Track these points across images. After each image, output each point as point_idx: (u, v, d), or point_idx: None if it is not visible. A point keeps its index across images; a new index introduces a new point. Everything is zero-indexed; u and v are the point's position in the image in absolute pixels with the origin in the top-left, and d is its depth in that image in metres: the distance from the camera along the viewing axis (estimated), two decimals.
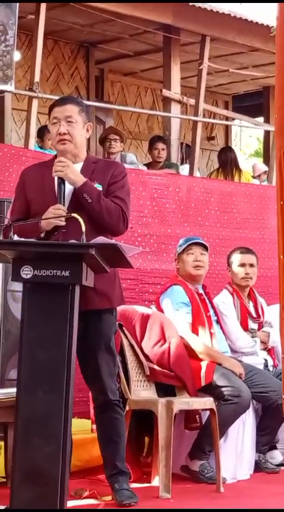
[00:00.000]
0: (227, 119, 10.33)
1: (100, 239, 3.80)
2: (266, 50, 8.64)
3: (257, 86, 10.75)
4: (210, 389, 5.04)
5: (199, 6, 7.87)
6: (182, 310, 5.28)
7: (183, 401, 4.89)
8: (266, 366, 5.66)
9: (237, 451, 5.22)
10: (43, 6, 7.16)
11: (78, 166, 4.24)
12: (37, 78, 7.17)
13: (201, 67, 8.38)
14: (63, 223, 4.05)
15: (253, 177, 10.03)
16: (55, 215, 4.05)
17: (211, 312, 5.44)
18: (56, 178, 4.18)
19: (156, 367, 5.06)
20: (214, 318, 5.44)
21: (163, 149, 8.42)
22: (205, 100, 8.68)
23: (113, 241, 3.99)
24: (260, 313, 5.84)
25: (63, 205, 4.11)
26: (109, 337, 4.29)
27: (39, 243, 3.92)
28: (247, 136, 19.24)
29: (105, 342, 4.26)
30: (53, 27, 8.61)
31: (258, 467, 5.34)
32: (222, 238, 7.50)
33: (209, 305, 5.46)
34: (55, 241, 4.03)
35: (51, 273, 3.64)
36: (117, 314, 4.49)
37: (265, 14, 8.18)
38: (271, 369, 5.66)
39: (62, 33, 9.21)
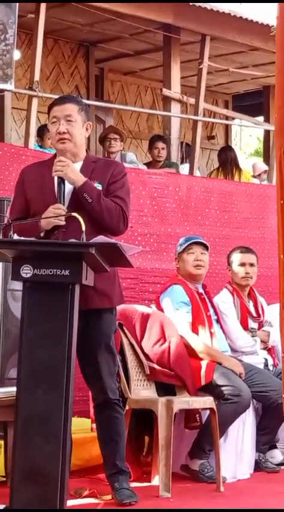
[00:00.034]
0: (227, 118, 10.32)
1: (100, 238, 3.80)
2: (266, 49, 8.63)
3: (257, 85, 10.75)
4: (210, 389, 5.04)
5: (199, 6, 7.86)
6: (182, 309, 5.28)
7: (183, 401, 4.89)
8: (266, 365, 5.65)
9: (237, 450, 5.22)
10: (43, 5, 7.16)
11: (78, 165, 4.24)
12: (37, 77, 7.16)
13: (201, 66, 8.37)
14: (63, 223, 4.05)
15: (253, 176, 10.03)
16: (55, 214, 4.05)
17: (211, 311, 5.44)
18: (55, 178, 4.17)
19: (156, 366, 5.06)
20: (214, 317, 5.44)
21: (163, 148, 8.42)
22: (205, 99, 8.68)
23: (113, 240, 3.99)
24: (260, 312, 5.84)
25: (63, 204, 4.11)
26: (109, 337, 4.29)
27: (39, 242, 3.92)
28: (247, 135, 19.24)
29: (105, 341, 4.26)
30: (53, 26, 8.61)
31: (258, 466, 5.33)
32: (222, 238, 7.50)
33: (209, 304, 5.45)
34: (55, 241, 4.02)
35: (51, 272, 3.64)
36: (117, 313, 4.49)
37: (265, 13, 8.18)
38: (271, 368, 5.66)
39: (62, 32, 9.21)
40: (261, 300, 5.94)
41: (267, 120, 10.42)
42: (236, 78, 10.26)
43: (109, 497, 4.33)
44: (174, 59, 8.46)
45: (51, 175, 4.18)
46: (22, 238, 3.87)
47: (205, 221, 7.53)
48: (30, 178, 4.29)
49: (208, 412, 4.97)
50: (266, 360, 5.68)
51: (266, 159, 10.42)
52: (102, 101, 9.71)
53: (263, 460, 5.35)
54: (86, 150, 4.38)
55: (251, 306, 5.83)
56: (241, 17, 8.20)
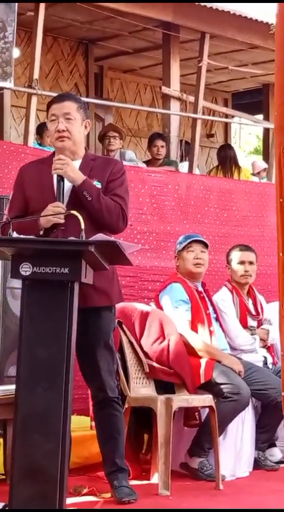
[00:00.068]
0: (226, 116, 10.33)
1: (100, 236, 3.80)
2: (265, 47, 8.63)
3: (257, 83, 10.74)
4: (209, 387, 5.04)
5: (199, 4, 7.86)
6: (181, 307, 5.28)
7: (182, 399, 4.89)
8: (265, 363, 5.65)
9: (236, 448, 5.22)
10: (42, 3, 7.15)
11: (77, 163, 4.23)
12: (36, 75, 7.16)
13: (200, 64, 8.37)
14: (62, 221, 4.05)
15: (253, 174, 10.02)
16: (54, 213, 4.05)
17: (211, 309, 5.44)
18: (55, 176, 4.17)
19: (155, 364, 5.06)
20: (213, 316, 5.44)
21: (162, 146, 8.42)
22: (205, 97, 8.67)
23: (112, 238, 3.99)
24: (260, 310, 5.84)
25: (62, 202, 4.11)
26: (108, 335, 4.29)
27: (39, 240, 3.91)
28: (246, 133, 19.23)
29: (104, 339, 4.26)
30: (52, 24, 8.61)
31: (257, 464, 5.33)
32: (221, 236, 7.50)
33: (208, 303, 5.45)
34: (54, 239, 4.02)
35: (50, 270, 3.63)
36: (117, 311, 4.49)
37: (265, 12, 8.18)
38: (270, 366, 5.66)
39: (61, 30, 9.21)
40: (260, 298, 5.94)
41: (266, 118, 10.42)
42: (235, 76, 10.26)
43: (108, 495, 4.33)
44: (173, 57, 8.46)
45: (50, 173, 4.18)
46: (21, 236, 3.86)
47: (205, 219, 7.53)
48: (29, 177, 4.29)
49: (207, 410, 4.97)
50: (265, 358, 5.68)
51: (266, 157, 10.42)
52: (102, 99, 9.70)
53: (262, 458, 5.35)
54: (85, 148, 4.37)
55: (250, 304, 5.83)
56: (240, 15, 8.20)
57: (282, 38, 2.79)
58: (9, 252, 3.72)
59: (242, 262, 5.81)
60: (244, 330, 5.70)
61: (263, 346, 5.75)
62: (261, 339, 5.74)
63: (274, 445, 5.57)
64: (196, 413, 5.09)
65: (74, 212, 3.80)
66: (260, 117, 10.69)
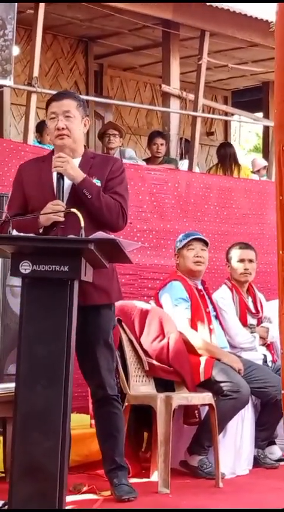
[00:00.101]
0: (226, 114, 10.32)
1: (100, 234, 3.80)
2: (265, 45, 8.62)
3: (257, 81, 10.73)
4: (209, 385, 5.05)
5: (199, 2, 7.85)
6: (181, 305, 5.28)
7: (182, 397, 4.89)
8: (265, 361, 5.66)
9: (236, 446, 5.22)
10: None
11: (76, 161, 4.23)
12: (36, 73, 7.15)
13: (200, 62, 8.37)
14: (62, 219, 4.05)
15: (253, 172, 10.02)
16: (54, 211, 4.05)
17: (210, 307, 5.44)
18: (54, 174, 4.17)
19: (155, 362, 5.07)
20: (213, 314, 5.44)
21: (162, 144, 8.41)
22: (205, 95, 8.67)
23: (112, 236, 3.99)
24: (259, 308, 5.84)
25: (62, 200, 4.11)
26: (107, 332, 4.29)
27: (38, 238, 3.91)
28: (246, 131, 19.22)
29: (103, 337, 4.26)
30: (52, 22, 8.60)
31: (257, 462, 5.34)
32: (221, 234, 7.51)
33: (208, 301, 5.45)
34: (54, 237, 4.02)
35: (50, 268, 3.63)
36: (116, 309, 4.49)
37: (265, 10, 8.17)
38: (270, 364, 5.66)
39: (61, 28, 9.20)
40: (260, 296, 5.94)
41: (266, 116, 10.42)
42: (235, 74, 10.25)
43: (108, 493, 4.33)
44: (173, 55, 8.45)
45: (50, 171, 4.18)
46: (21, 234, 3.86)
47: (204, 217, 7.53)
48: (28, 175, 4.28)
49: (207, 408, 4.98)
50: (265, 356, 5.68)
51: (266, 155, 10.41)
52: (101, 97, 9.70)
53: (262, 456, 5.36)
54: (84, 146, 4.37)
55: (250, 302, 5.83)
56: (240, 13, 8.19)
57: (282, 36, 2.79)
58: (9, 250, 3.71)
59: (242, 260, 5.81)
60: (243, 328, 5.70)
61: (263, 344, 5.75)
62: (261, 337, 5.74)
63: (274, 443, 5.57)
64: (196, 411, 5.09)
65: (74, 210, 3.80)
66: (260, 115, 10.69)
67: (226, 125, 11.64)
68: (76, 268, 3.65)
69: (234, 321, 5.68)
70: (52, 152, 4.31)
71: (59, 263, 3.62)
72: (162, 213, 7.21)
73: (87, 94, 9.44)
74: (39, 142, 7.62)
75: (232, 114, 10.44)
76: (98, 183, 4.21)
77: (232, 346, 5.58)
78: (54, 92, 4.87)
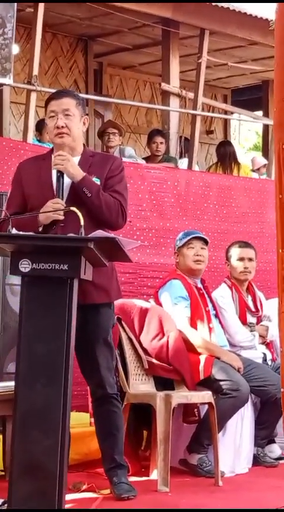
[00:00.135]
0: (226, 112, 10.32)
1: (99, 233, 3.80)
2: (265, 44, 8.62)
3: (256, 79, 10.74)
4: (209, 383, 5.05)
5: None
6: (180, 304, 5.28)
7: (182, 395, 4.89)
8: (264, 359, 5.66)
9: (235, 444, 5.22)
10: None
11: (76, 159, 4.23)
12: (35, 72, 7.15)
13: (199, 61, 8.37)
14: (62, 218, 4.05)
15: (252, 170, 10.02)
16: (54, 209, 4.05)
17: (210, 306, 5.44)
18: (54, 172, 4.17)
19: (154, 360, 5.07)
20: (212, 312, 5.44)
21: (161, 143, 8.41)
22: (204, 94, 8.67)
23: (112, 235, 3.99)
24: (259, 307, 5.84)
25: (62, 199, 4.11)
26: (107, 331, 4.29)
27: (38, 237, 3.91)
28: (246, 130, 19.21)
29: (102, 336, 4.26)
30: (52, 21, 8.60)
31: (256, 461, 5.34)
32: (221, 232, 7.50)
33: (208, 299, 5.45)
34: (54, 235, 4.02)
35: (49, 266, 3.63)
36: (116, 308, 4.49)
37: (264, 8, 8.17)
38: (269, 362, 5.66)
39: (61, 27, 9.20)
40: (260, 294, 5.94)
41: (266, 114, 10.42)
42: (235, 73, 10.25)
43: (107, 491, 4.33)
44: (173, 53, 8.46)
45: (49, 170, 4.18)
46: (21, 232, 3.86)
47: (204, 216, 7.53)
48: (27, 173, 4.28)
49: (206, 406, 4.98)
50: (264, 354, 5.68)
51: (265, 154, 10.42)
52: (101, 95, 9.70)
53: (261, 454, 5.36)
54: (83, 145, 4.37)
55: (249, 301, 5.83)
56: (240, 12, 8.19)
57: (281, 35, 2.79)
58: (8, 248, 3.71)
59: (241, 259, 5.80)
60: (243, 326, 5.70)
61: (263, 343, 5.75)
62: (260, 336, 5.74)
63: (273, 442, 5.57)
64: (196, 410, 5.09)
65: (73, 209, 3.80)
66: (259, 113, 10.69)
67: (226, 123, 11.64)
68: (76, 267, 3.64)
69: (234, 320, 5.68)
70: (51, 150, 4.31)
71: (58, 261, 3.62)
72: (162, 211, 7.21)
73: (86, 92, 9.44)
74: (39, 141, 7.62)
75: (232, 113, 10.44)
76: (97, 181, 4.21)
77: (231, 344, 5.59)
78: (53, 91, 4.87)
